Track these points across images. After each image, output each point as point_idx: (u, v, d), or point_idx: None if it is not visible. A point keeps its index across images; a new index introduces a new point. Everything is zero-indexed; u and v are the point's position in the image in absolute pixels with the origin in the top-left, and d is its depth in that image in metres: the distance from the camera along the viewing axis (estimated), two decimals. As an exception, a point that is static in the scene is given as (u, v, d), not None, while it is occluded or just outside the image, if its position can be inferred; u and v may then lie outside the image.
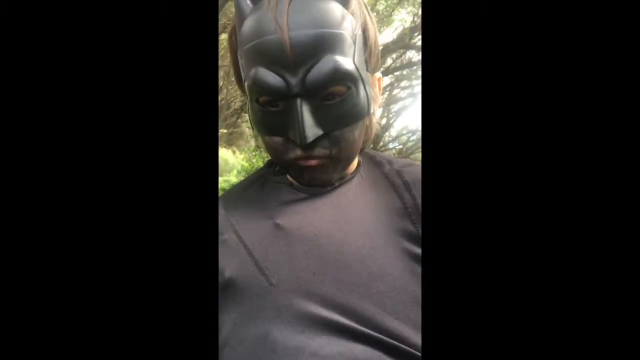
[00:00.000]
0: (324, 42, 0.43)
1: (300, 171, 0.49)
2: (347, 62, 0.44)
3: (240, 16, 0.46)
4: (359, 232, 0.47)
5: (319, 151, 0.47)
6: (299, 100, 0.44)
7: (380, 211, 0.49)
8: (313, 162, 0.48)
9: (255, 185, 0.58)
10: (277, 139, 0.48)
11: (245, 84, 0.47)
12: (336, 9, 0.44)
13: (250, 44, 0.44)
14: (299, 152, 0.47)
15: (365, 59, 0.48)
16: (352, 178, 0.54)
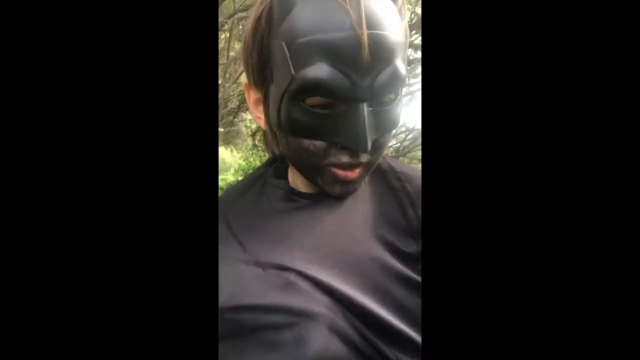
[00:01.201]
0: (395, 47, 0.41)
1: (333, 180, 0.46)
2: (404, 69, 0.43)
3: (286, 4, 0.41)
4: (359, 241, 0.46)
5: (363, 158, 0.45)
6: (362, 105, 0.41)
7: (381, 222, 0.48)
8: (354, 174, 0.46)
9: (254, 189, 0.56)
10: (319, 144, 0.44)
11: (292, 82, 0.42)
12: (396, 16, 0.43)
13: (311, 38, 0.40)
14: (345, 159, 0.45)
15: None
16: None
